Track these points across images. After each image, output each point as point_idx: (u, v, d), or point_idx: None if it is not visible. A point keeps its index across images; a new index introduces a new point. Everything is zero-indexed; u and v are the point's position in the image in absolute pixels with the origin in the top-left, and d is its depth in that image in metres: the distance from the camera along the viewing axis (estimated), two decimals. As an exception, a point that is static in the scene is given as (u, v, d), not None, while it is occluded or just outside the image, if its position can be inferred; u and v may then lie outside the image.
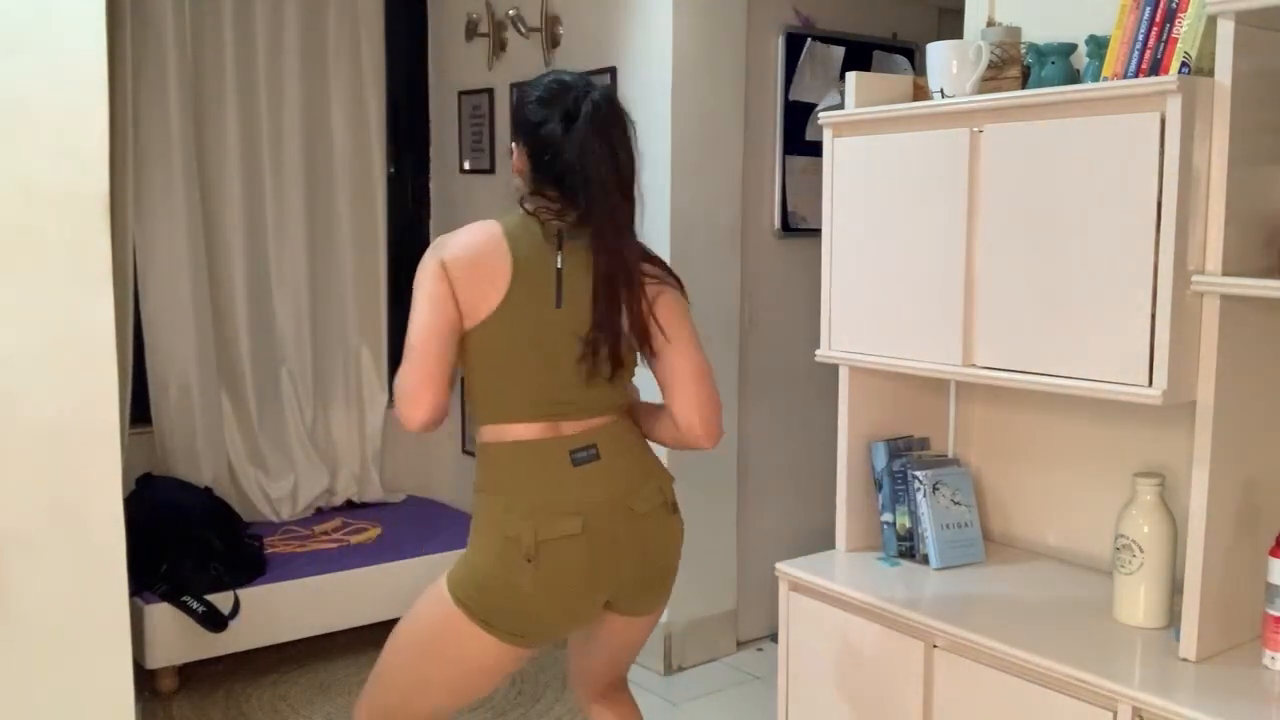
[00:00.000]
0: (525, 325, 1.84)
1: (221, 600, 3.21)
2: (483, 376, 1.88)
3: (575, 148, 1.83)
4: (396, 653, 1.99)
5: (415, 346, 1.82)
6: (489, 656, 1.89)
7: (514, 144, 1.97)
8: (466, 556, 1.90)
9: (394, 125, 4.22)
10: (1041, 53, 2.11)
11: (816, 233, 2.44)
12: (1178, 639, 1.85)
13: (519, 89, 2.00)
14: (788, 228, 3.64)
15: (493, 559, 1.86)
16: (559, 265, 1.85)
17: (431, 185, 4.40)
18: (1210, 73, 1.74)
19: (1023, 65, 2.15)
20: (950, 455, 2.49)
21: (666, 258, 3.30)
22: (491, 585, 1.86)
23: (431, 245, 1.89)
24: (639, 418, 2.02)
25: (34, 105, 2.01)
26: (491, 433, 1.90)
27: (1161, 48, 1.84)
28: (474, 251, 1.85)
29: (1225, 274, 1.74)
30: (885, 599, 2.11)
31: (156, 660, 3.17)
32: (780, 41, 3.54)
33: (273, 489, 3.93)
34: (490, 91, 4.01)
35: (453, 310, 1.83)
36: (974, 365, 2.06)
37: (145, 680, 3.13)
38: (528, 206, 1.90)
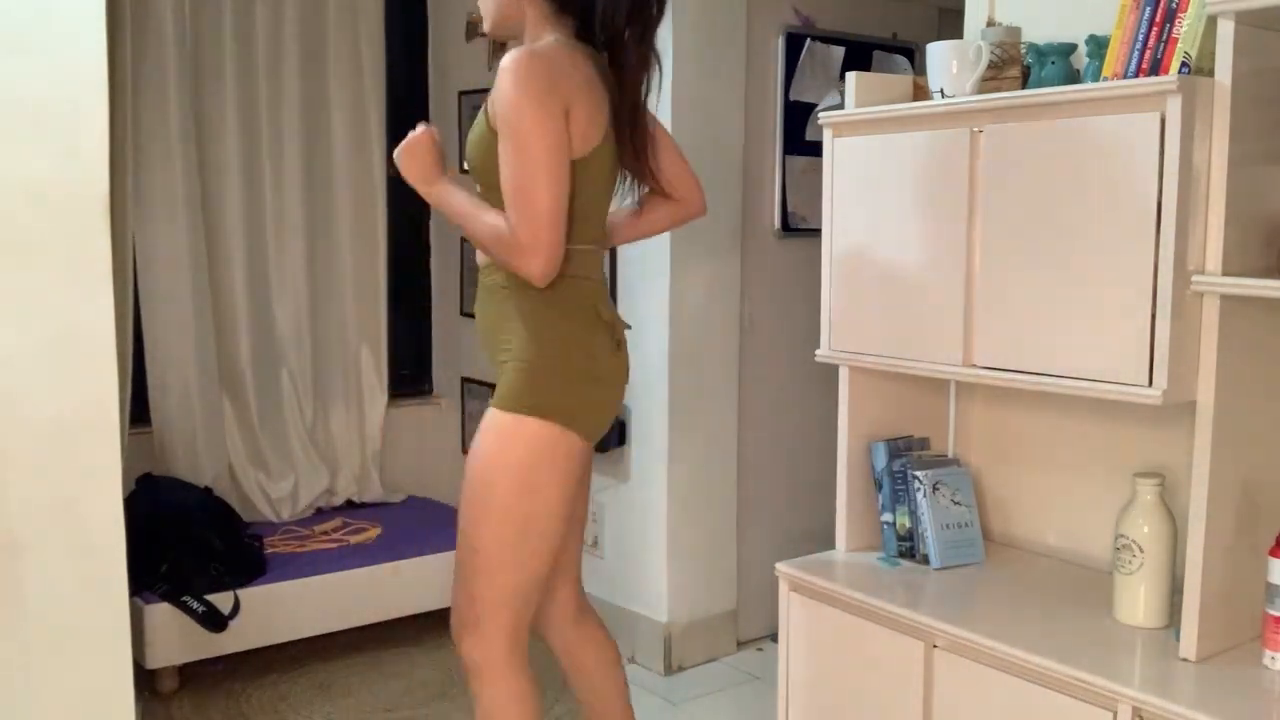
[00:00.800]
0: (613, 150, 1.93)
1: (221, 600, 3.21)
2: (578, 201, 1.87)
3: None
4: (486, 524, 1.90)
5: (547, 209, 1.76)
6: (575, 460, 1.94)
7: None
8: (538, 355, 1.89)
9: (394, 125, 4.21)
10: (1041, 53, 2.11)
11: (816, 233, 2.45)
12: (1178, 639, 1.85)
13: None
14: (788, 228, 3.63)
15: (585, 335, 1.92)
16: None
17: (431, 185, 4.39)
18: (1210, 73, 1.75)
19: (1023, 65, 2.15)
20: (950, 455, 2.49)
21: (666, 257, 3.36)
22: (577, 367, 1.91)
23: (527, 72, 1.77)
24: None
25: (34, 105, 2.01)
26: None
27: (1161, 48, 1.84)
28: (584, 75, 1.85)
29: (1225, 274, 1.74)
30: (885, 599, 2.11)
31: (156, 660, 3.17)
32: (780, 41, 3.54)
33: (273, 489, 3.93)
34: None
35: (568, 148, 1.81)
36: (974, 365, 2.06)
37: (145, 680, 3.13)
38: (576, 29, 1.93)
